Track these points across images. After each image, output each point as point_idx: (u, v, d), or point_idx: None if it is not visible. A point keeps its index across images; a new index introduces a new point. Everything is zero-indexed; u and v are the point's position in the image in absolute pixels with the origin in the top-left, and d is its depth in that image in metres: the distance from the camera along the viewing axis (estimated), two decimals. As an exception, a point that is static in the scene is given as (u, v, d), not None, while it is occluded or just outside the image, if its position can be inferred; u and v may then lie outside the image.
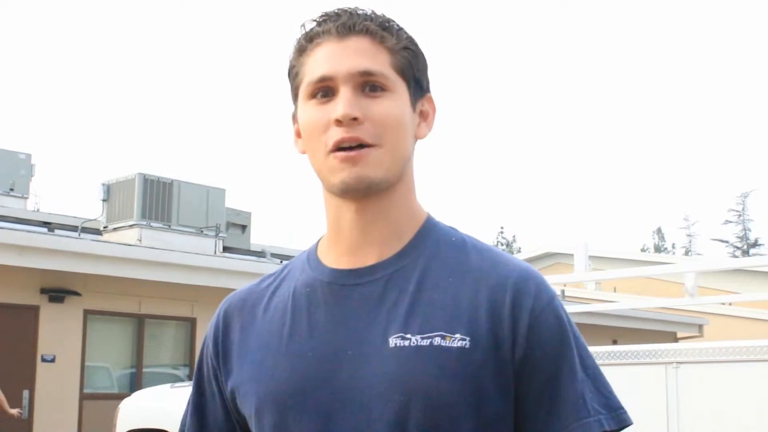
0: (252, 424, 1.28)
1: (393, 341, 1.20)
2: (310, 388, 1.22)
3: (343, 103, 1.22)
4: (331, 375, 1.22)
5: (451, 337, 1.20)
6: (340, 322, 1.25)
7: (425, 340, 1.20)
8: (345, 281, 1.27)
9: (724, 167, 72.49)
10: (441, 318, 1.21)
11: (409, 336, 1.21)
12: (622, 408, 1.25)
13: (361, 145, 1.22)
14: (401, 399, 1.18)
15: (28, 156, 15.13)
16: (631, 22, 74.16)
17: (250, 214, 15.76)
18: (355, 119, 1.22)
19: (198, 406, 1.39)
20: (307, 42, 1.29)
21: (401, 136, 1.26)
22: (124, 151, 63.78)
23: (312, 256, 1.34)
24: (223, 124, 74.12)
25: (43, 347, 11.33)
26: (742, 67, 71.97)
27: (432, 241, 1.30)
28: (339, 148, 1.22)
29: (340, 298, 1.26)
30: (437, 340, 1.20)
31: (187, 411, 1.41)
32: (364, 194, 1.25)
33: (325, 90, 1.25)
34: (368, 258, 1.28)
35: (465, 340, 1.20)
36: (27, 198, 15.23)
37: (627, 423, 1.24)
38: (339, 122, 1.22)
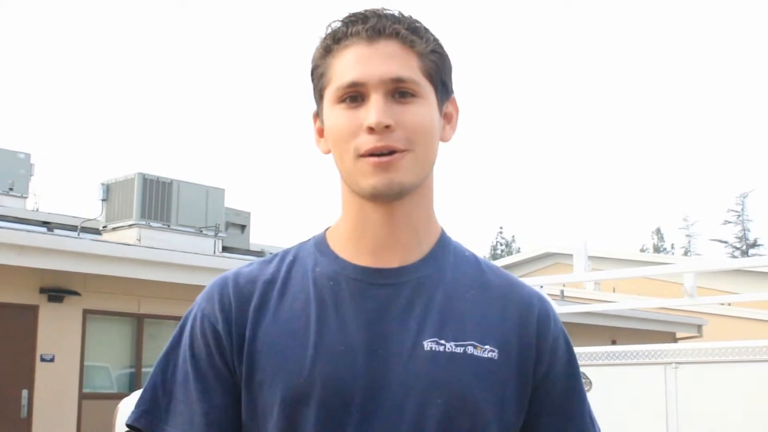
0: (272, 411, 1.22)
1: (428, 345, 1.23)
2: (346, 384, 1.21)
3: (375, 110, 1.21)
4: (364, 372, 1.21)
5: (482, 348, 1.25)
6: (369, 320, 1.24)
7: (459, 348, 1.24)
8: (372, 280, 1.27)
9: (723, 167, 72.52)
10: (472, 328, 1.25)
11: (443, 342, 1.23)
12: None
13: (392, 151, 1.21)
14: (439, 402, 1.20)
15: (28, 155, 15.13)
16: (632, 23, 74.15)
17: (249, 213, 15.75)
18: (387, 127, 1.21)
19: (204, 391, 1.27)
20: (334, 43, 1.26)
21: (430, 141, 1.26)
22: (124, 151, 63.78)
23: (323, 247, 1.32)
24: (223, 124, 74.09)
25: (42, 347, 11.31)
26: (741, 67, 71.96)
27: (450, 253, 1.33)
28: (370, 154, 1.21)
29: (367, 296, 1.26)
30: (470, 349, 1.24)
31: (181, 402, 1.29)
32: (394, 198, 1.25)
33: (354, 95, 1.24)
34: (391, 260, 1.28)
35: (494, 351, 1.25)
36: (26, 197, 15.23)
37: None
38: (371, 129, 1.21)
